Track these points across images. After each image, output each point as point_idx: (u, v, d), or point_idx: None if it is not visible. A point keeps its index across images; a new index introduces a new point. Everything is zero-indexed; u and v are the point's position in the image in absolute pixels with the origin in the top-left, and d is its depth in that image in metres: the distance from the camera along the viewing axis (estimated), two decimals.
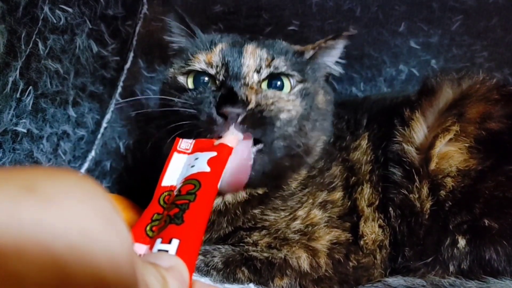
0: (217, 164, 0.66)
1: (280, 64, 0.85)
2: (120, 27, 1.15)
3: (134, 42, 1.21)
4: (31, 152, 0.96)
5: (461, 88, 0.91)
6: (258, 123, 0.77)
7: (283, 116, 0.81)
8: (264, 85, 0.84)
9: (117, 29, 1.13)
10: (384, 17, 1.24)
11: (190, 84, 0.86)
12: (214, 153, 0.69)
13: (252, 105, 0.77)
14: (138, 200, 1.18)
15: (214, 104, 0.76)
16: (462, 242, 0.80)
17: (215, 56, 0.85)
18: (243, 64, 0.83)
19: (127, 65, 1.22)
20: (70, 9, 0.89)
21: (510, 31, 1.23)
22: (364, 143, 0.95)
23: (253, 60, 0.83)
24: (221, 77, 0.83)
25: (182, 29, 0.94)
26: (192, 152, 0.71)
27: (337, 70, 0.98)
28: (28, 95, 0.86)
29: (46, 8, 0.81)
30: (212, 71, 0.84)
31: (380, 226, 0.88)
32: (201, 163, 0.66)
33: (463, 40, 1.25)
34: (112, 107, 1.23)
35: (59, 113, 1.00)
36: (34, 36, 0.80)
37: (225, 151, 0.70)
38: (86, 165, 1.22)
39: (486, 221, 0.78)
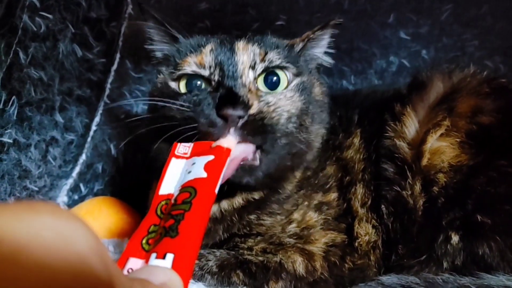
0: (214, 168, 0.64)
1: (274, 57, 0.83)
2: (104, 29, 1.13)
3: (120, 43, 1.20)
4: (19, 161, 0.95)
5: (452, 81, 0.90)
6: (258, 130, 0.74)
7: (284, 118, 0.78)
8: (260, 81, 0.81)
9: (101, 31, 1.11)
10: (373, 9, 1.23)
11: (183, 88, 0.83)
12: (211, 157, 0.66)
13: (254, 111, 0.74)
14: (131, 202, 1.18)
15: (214, 105, 0.73)
16: (455, 238, 0.79)
17: (206, 56, 0.81)
18: (238, 61, 0.80)
19: (114, 67, 1.20)
20: (50, 16, 0.86)
21: (500, 19, 1.22)
22: (356, 140, 0.94)
23: (246, 56, 0.81)
24: (216, 77, 0.79)
25: (163, 36, 0.91)
26: (190, 156, 0.69)
27: (327, 60, 0.96)
28: (12, 105, 0.85)
29: (25, 17, 0.79)
30: (206, 73, 0.81)
31: (373, 226, 0.87)
32: (198, 168, 0.64)
33: (453, 29, 1.24)
34: (100, 109, 1.22)
35: (46, 120, 0.99)
36: (14, 46, 0.79)
37: (223, 154, 0.67)
38: (77, 169, 1.22)
39: (479, 217, 0.78)
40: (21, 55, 0.82)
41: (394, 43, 1.26)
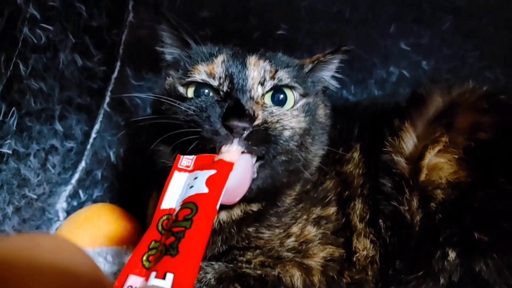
0: (216, 183, 0.64)
1: (284, 76, 0.83)
2: (105, 37, 1.13)
3: (121, 51, 1.20)
4: (18, 170, 0.95)
5: (451, 96, 0.90)
6: (262, 140, 0.75)
7: (287, 133, 0.79)
8: (267, 98, 0.82)
9: (102, 39, 1.11)
10: (374, 19, 1.23)
11: (190, 94, 0.83)
12: (213, 171, 0.66)
13: (258, 121, 0.75)
14: (130, 208, 1.18)
15: (220, 114, 0.73)
16: (452, 254, 0.79)
17: (218, 67, 0.82)
18: (248, 76, 0.80)
19: (114, 75, 1.20)
20: (51, 27, 0.86)
21: (501, 29, 1.22)
22: (356, 155, 0.94)
23: (257, 72, 0.81)
24: (225, 88, 0.80)
25: (175, 40, 0.91)
26: (193, 169, 0.69)
27: (333, 84, 0.96)
28: (11, 116, 0.85)
29: (25, 29, 0.79)
30: (215, 83, 0.81)
31: (371, 241, 0.88)
32: (200, 183, 0.64)
33: (454, 40, 1.24)
34: (100, 117, 1.22)
35: (46, 129, 0.99)
36: (14, 58, 0.79)
37: (225, 168, 0.67)
38: (76, 176, 1.22)
39: (476, 234, 0.78)
40: (21, 67, 0.82)
41: (395, 53, 1.26)
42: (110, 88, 1.21)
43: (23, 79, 0.84)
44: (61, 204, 1.19)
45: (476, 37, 1.23)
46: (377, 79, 1.28)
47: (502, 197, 0.80)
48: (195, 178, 0.66)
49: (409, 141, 0.88)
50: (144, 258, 0.57)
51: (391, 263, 0.86)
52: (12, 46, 0.78)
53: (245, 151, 0.73)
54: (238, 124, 0.71)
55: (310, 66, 0.91)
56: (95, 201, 1.26)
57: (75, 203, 1.22)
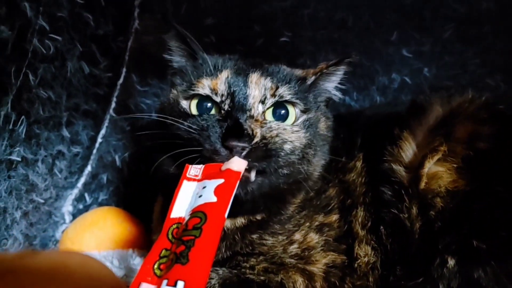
0: (224, 192, 0.65)
1: (285, 92, 0.84)
2: (111, 44, 1.15)
3: (126, 58, 1.21)
4: (27, 176, 0.97)
5: (450, 106, 0.91)
6: (262, 156, 0.77)
7: (287, 147, 0.80)
8: (268, 113, 0.83)
9: (108, 46, 1.13)
10: (376, 26, 1.24)
11: (193, 109, 0.85)
12: (221, 180, 0.67)
13: (257, 139, 0.76)
14: (135, 212, 1.20)
15: (220, 135, 0.76)
16: (451, 262, 0.81)
17: (221, 84, 0.83)
18: (249, 95, 0.81)
19: (120, 81, 1.22)
20: (59, 37, 0.88)
21: (502, 37, 1.23)
22: (359, 164, 0.95)
23: (258, 91, 0.82)
24: (226, 107, 0.81)
25: (182, 49, 0.92)
26: (201, 179, 0.70)
27: (337, 95, 0.96)
28: (21, 125, 0.87)
29: (35, 40, 0.81)
30: (217, 99, 0.82)
31: (372, 247, 0.89)
32: (208, 192, 0.65)
33: (455, 47, 1.25)
34: (106, 122, 1.24)
35: (53, 136, 1.01)
36: (24, 69, 0.81)
37: (233, 177, 0.68)
38: (82, 180, 1.24)
39: (475, 242, 0.79)
40: (31, 76, 0.84)
41: (397, 60, 1.27)
42: (115, 94, 1.22)
43: (32, 88, 0.86)
44: (67, 207, 1.21)
45: (477, 45, 1.24)
46: (379, 85, 1.29)
47: (500, 206, 0.81)
48: (204, 187, 0.67)
49: (408, 150, 0.89)
50: (156, 266, 0.58)
51: (392, 269, 0.87)
52: (22, 57, 0.80)
53: (246, 167, 0.74)
54: (237, 144, 0.74)
55: (313, 78, 0.91)
56: (100, 205, 1.28)
57: (81, 206, 1.24)
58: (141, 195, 1.30)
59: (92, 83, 1.11)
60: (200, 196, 0.66)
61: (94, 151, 1.24)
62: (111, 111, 1.23)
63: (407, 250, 0.86)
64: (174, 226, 0.64)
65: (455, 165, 0.85)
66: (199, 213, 0.62)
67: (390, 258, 0.88)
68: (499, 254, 0.78)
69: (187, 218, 0.63)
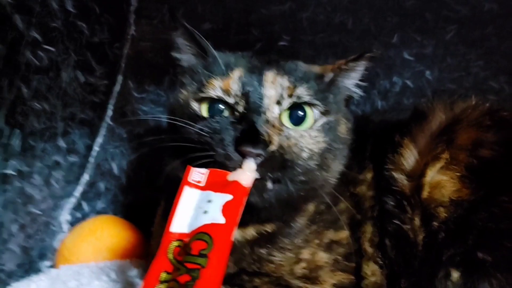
0: (232, 211, 0.60)
1: (303, 93, 0.78)
2: (107, 52, 1.13)
3: (123, 64, 1.20)
4: (22, 188, 0.95)
5: (453, 112, 0.89)
6: (278, 167, 0.73)
7: (305, 155, 0.76)
8: (285, 116, 0.78)
9: (104, 54, 1.11)
10: (377, 29, 1.22)
11: (204, 112, 0.79)
12: (229, 197, 0.62)
13: (274, 147, 0.71)
14: (133, 220, 1.19)
15: (233, 139, 0.71)
16: (455, 274, 0.79)
17: (234, 84, 0.77)
18: (264, 95, 0.76)
19: (117, 88, 1.20)
20: (53, 48, 0.86)
21: (505, 39, 1.21)
22: (369, 176, 0.92)
23: (274, 91, 0.77)
24: (241, 109, 0.76)
25: (191, 47, 0.87)
26: (205, 186, 0.65)
27: (358, 93, 0.90)
28: (15, 138, 0.85)
29: (27, 53, 0.79)
30: (231, 100, 0.77)
31: (379, 264, 0.87)
32: (215, 210, 0.60)
33: (457, 49, 1.23)
34: (103, 130, 1.22)
35: (49, 147, 1.00)
36: (17, 82, 0.79)
37: (241, 193, 0.63)
38: (80, 188, 1.22)
39: (480, 254, 0.77)
40: (24, 89, 0.82)
41: (398, 63, 1.25)
42: (112, 102, 1.21)
43: (26, 101, 0.84)
44: (65, 216, 1.19)
45: (480, 47, 1.22)
46: (380, 89, 1.27)
47: (505, 216, 0.78)
48: (209, 201, 0.62)
49: (410, 158, 0.87)
50: None
51: (397, 282, 0.85)
52: (15, 71, 0.78)
53: (259, 177, 0.70)
54: (251, 150, 0.69)
55: (331, 75, 0.85)
56: (98, 213, 1.27)
57: (79, 215, 1.23)
58: (139, 203, 1.29)
59: (88, 91, 1.09)
60: (205, 212, 0.61)
61: (91, 159, 1.22)
62: (107, 119, 1.22)
63: (411, 262, 0.84)
64: (175, 243, 0.60)
65: (458, 174, 0.82)
66: (204, 235, 0.58)
67: (395, 270, 0.86)
68: (505, 266, 0.76)
69: (190, 238, 0.59)
